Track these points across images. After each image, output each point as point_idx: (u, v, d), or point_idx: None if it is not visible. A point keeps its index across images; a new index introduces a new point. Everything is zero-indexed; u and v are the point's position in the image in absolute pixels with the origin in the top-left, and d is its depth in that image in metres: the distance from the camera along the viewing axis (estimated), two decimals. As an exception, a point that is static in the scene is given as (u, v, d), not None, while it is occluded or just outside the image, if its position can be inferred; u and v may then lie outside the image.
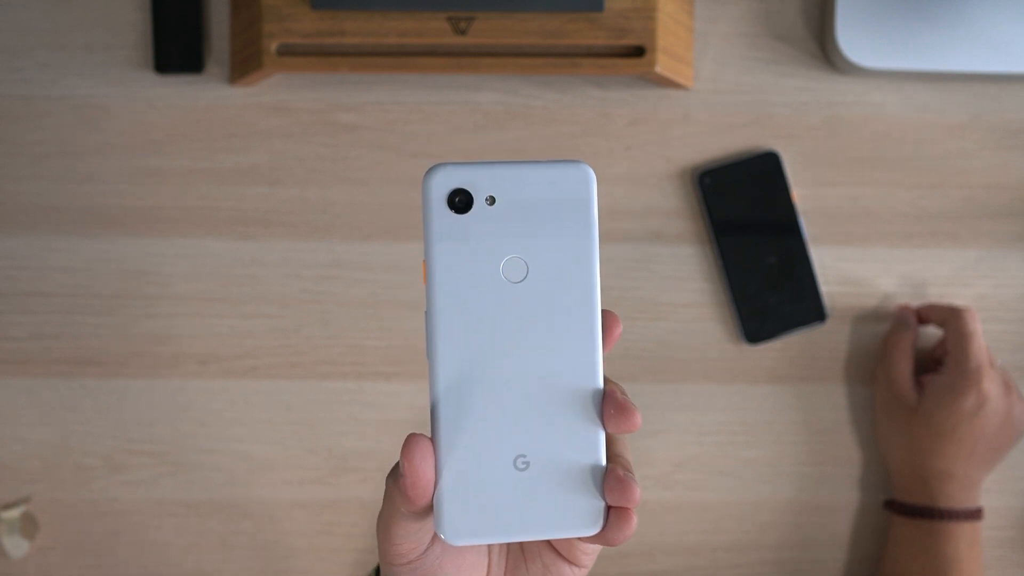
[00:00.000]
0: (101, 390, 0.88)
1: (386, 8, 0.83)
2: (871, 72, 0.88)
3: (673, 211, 0.89)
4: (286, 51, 0.85)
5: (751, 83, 0.89)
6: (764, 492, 0.90)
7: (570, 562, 0.51)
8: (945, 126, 0.90)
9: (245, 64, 0.86)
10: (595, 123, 0.89)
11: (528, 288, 0.47)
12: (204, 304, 0.88)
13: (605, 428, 0.47)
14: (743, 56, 0.90)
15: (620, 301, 0.89)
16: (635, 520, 0.47)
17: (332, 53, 0.85)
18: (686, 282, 0.89)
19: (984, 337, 0.85)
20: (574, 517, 0.47)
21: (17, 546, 0.87)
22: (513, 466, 0.47)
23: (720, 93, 0.89)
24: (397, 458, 0.47)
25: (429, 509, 0.47)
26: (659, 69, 0.84)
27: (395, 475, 0.47)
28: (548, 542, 0.51)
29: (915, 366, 0.87)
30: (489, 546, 0.52)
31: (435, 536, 0.49)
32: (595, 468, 0.47)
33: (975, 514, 0.84)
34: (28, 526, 0.87)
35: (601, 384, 0.48)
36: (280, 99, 0.88)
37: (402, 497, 0.46)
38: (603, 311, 0.48)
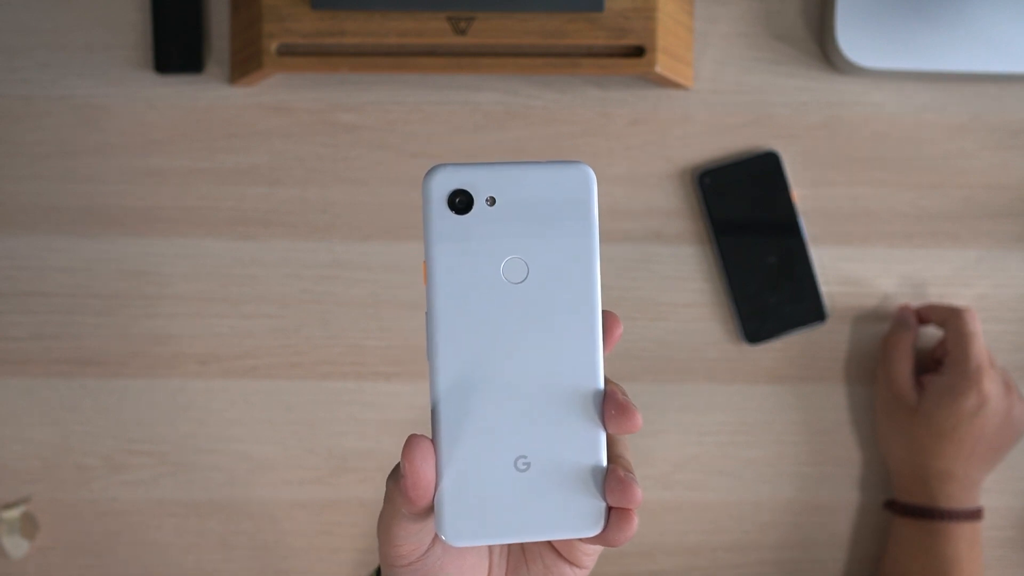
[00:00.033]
0: (101, 390, 0.88)
1: (386, 8, 0.83)
2: (871, 72, 0.88)
3: (673, 211, 0.89)
4: (286, 51, 0.85)
5: (751, 83, 0.89)
6: (764, 492, 0.90)
7: (571, 563, 0.51)
8: (945, 126, 0.90)
9: (245, 64, 0.86)
10: (595, 123, 0.89)
11: (528, 289, 0.47)
12: (204, 304, 0.88)
13: (606, 429, 0.47)
14: (743, 56, 0.90)
15: (620, 301, 0.89)
16: (636, 521, 0.47)
17: (332, 53, 0.85)
18: (686, 282, 0.89)
19: (984, 337, 0.85)
20: (575, 518, 0.47)
21: (17, 546, 0.87)
22: (514, 467, 0.47)
23: (720, 93, 0.89)
24: (397, 458, 0.47)
25: (430, 510, 0.47)
26: (659, 69, 0.84)
27: (396, 476, 0.47)
28: (549, 543, 0.51)
29: (915, 366, 0.87)
30: (490, 547, 0.52)
31: (436, 537, 0.49)
32: (596, 469, 0.47)
33: (975, 514, 0.84)
34: (28, 526, 0.87)
35: (602, 385, 0.48)
36: (280, 99, 0.88)
37: (403, 498, 0.46)
38: (604, 312, 0.48)
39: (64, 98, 0.88)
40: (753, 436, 0.90)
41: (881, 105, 0.90)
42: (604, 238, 0.48)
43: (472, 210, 0.47)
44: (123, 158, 0.88)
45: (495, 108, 0.89)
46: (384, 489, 0.49)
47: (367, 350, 0.89)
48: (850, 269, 0.90)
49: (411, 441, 0.46)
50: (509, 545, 0.53)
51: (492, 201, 0.47)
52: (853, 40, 0.87)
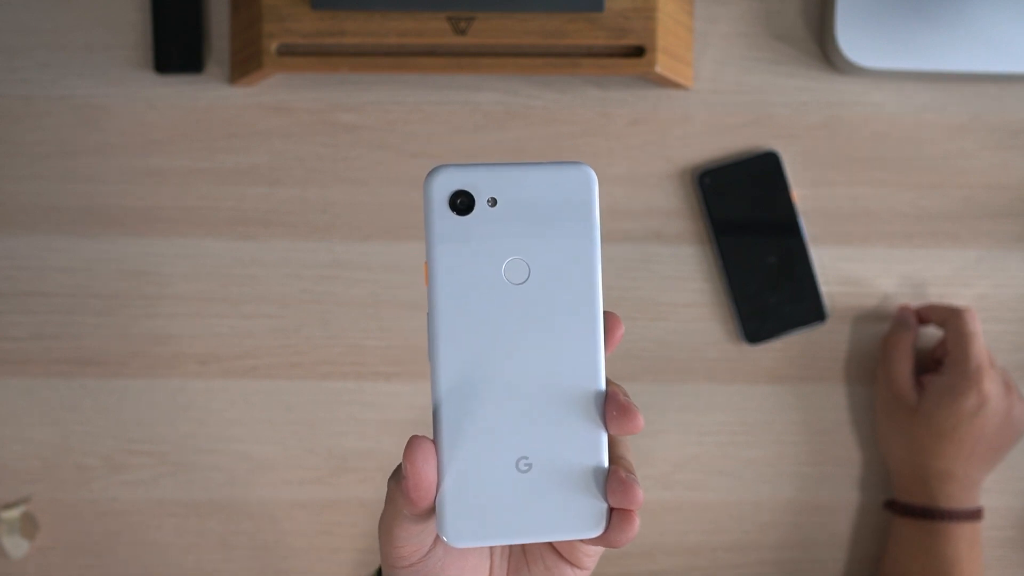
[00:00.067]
0: (101, 390, 0.88)
1: (386, 8, 0.83)
2: (871, 72, 0.88)
3: (673, 211, 0.89)
4: (286, 51, 0.84)
5: (751, 83, 0.89)
6: (764, 492, 0.90)
7: (572, 564, 0.51)
8: (945, 126, 0.90)
9: (245, 64, 0.86)
10: (595, 123, 0.89)
11: (530, 290, 0.47)
12: (204, 304, 0.88)
13: (607, 430, 0.47)
14: (743, 56, 0.90)
15: (620, 301, 0.89)
16: (637, 522, 0.47)
17: (332, 53, 0.85)
18: (686, 282, 0.89)
19: (984, 337, 0.85)
20: (576, 519, 0.47)
21: (17, 546, 0.87)
22: (515, 468, 0.47)
23: (720, 93, 0.89)
24: (397, 458, 0.47)
25: (431, 511, 0.47)
26: (659, 69, 0.84)
27: (397, 477, 0.47)
28: (550, 544, 0.51)
29: (915, 366, 0.87)
30: (491, 548, 0.52)
31: (437, 538, 0.49)
32: (597, 470, 0.47)
33: (975, 514, 0.84)
34: (28, 526, 0.87)
35: (603, 386, 0.48)
36: (280, 99, 0.88)
37: (404, 499, 0.46)
38: (605, 312, 0.48)
39: (64, 98, 0.88)
40: (753, 436, 0.90)
41: (881, 105, 0.90)
42: (604, 238, 0.48)
43: (473, 211, 0.47)
44: (123, 158, 0.88)
45: (495, 108, 0.89)
46: (385, 489, 0.49)
47: (367, 350, 0.89)
48: (850, 269, 0.90)
49: (412, 442, 0.46)
50: (510, 546, 0.53)
51: (493, 202, 0.47)
52: (853, 40, 0.87)
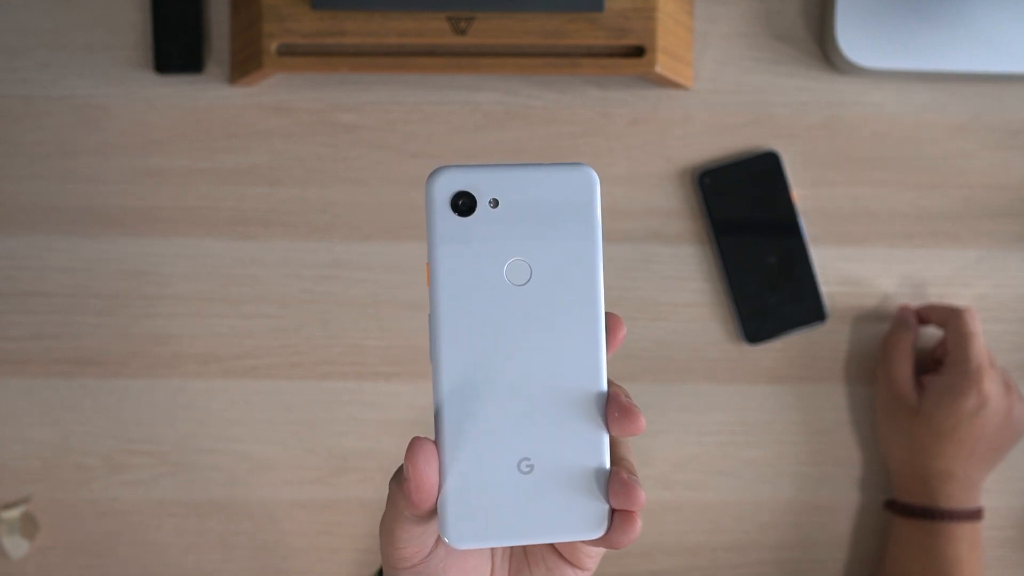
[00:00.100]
0: (101, 390, 0.88)
1: (386, 8, 0.82)
2: (871, 72, 0.88)
3: (673, 211, 0.89)
4: (286, 51, 0.84)
5: (751, 83, 0.89)
6: (764, 492, 0.90)
7: (573, 565, 0.51)
8: (945, 126, 0.90)
9: (245, 64, 0.86)
10: (595, 123, 0.89)
11: (531, 291, 0.47)
12: (204, 304, 0.88)
13: (609, 431, 0.47)
14: (743, 56, 0.90)
15: (620, 301, 0.89)
16: (639, 523, 0.47)
17: (332, 53, 0.85)
18: (686, 282, 0.89)
19: (984, 337, 0.85)
20: (578, 520, 0.47)
21: (17, 546, 0.87)
22: (517, 469, 0.47)
23: (720, 93, 0.89)
24: (397, 458, 0.47)
25: (433, 513, 0.47)
26: (659, 69, 0.84)
27: (399, 479, 0.47)
28: (552, 545, 0.51)
29: (915, 366, 0.87)
30: (492, 549, 0.52)
31: (439, 540, 0.49)
32: (599, 471, 0.47)
33: (975, 514, 0.84)
34: (28, 526, 0.87)
35: (605, 387, 0.48)
36: (280, 99, 0.88)
37: (406, 501, 0.46)
38: (607, 314, 0.48)
39: (64, 98, 0.88)
40: (753, 436, 0.90)
41: (881, 105, 0.90)
42: (604, 238, 0.48)
43: (475, 212, 0.47)
44: (123, 158, 0.88)
45: (495, 108, 0.89)
46: (385, 490, 0.49)
47: (367, 350, 0.89)
48: (850, 269, 0.90)
49: (414, 444, 0.46)
50: (511, 548, 0.53)
51: (495, 203, 0.47)
52: (853, 40, 0.87)
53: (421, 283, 0.49)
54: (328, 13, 0.83)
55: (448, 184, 0.47)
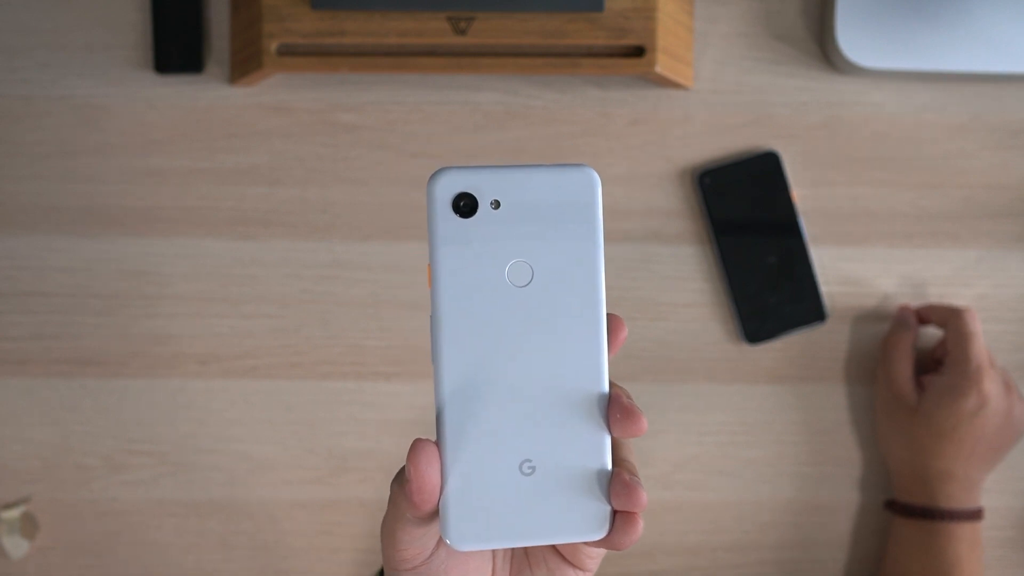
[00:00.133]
0: (101, 390, 0.88)
1: (386, 8, 0.82)
2: (871, 72, 0.88)
3: (673, 211, 0.89)
4: (286, 51, 0.84)
5: (751, 83, 0.89)
6: (764, 492, 0.90)
7: (575, 566, 0.51)
8: (945, 126, 0.90)
9: (245, 64, 0.86)
10: (595, 123, 0.89)
11: (533, 292, 0.47)
12: (204, 304, 0.88)
13: (611, 432, 0.47)
14: (743, 56, 0.90)
15: (620, 301, 0.89)
16: (641, 524, 0.47)
17: (332, 53, 0.85)
18: (686, 282, 0.89)
19: (984, 337, 0.85)
20: (580, 522, 0.47)
21: (17, 546, 0.87)
22: (519, 471, 0.47)
23: (720, 93, 0.89)
24: (398, 458, 0.47)
25: (434, 514, 0.47)
26: (659, 69, 0.84)
27: (400, 480, 0.47)
28: (553, 547, 0.51)
29: (915, 366, 0.87)
30: (494, 551, 0.52)
31: (440, 541, 0.49)
32: (601, 473, 0.47)
33: (975, 514, 0.84)
34: (28, 526, 0.87)
35: (606, 388, 0.48)
36: (280, 99, 0.88)
37: (408, 502, 0.46)
38: (608, 315, 0.48)
39: (64, 98, 0.88)
40: (753, 436, 0.90)
41: (881, 105, 0.90)
42: (605, 239, 0.48)
43: (477, 213, 0.47)
44: (123, 158, 0.88)
45: (495, 108, 0.89)
46: (385, 490, 0.49)
47: (367, 350, 0.89)
48: (850, 269, 0.90)
49: (416, 445, 0.46)
50: (513, 549, 0.53)
51: (497, 204, 0.47)
52: (853, 40, 0.87)
53: (421, 283, 0.49)
54: (328, 13, 0.83)
55: (449, 185, 0.47)
